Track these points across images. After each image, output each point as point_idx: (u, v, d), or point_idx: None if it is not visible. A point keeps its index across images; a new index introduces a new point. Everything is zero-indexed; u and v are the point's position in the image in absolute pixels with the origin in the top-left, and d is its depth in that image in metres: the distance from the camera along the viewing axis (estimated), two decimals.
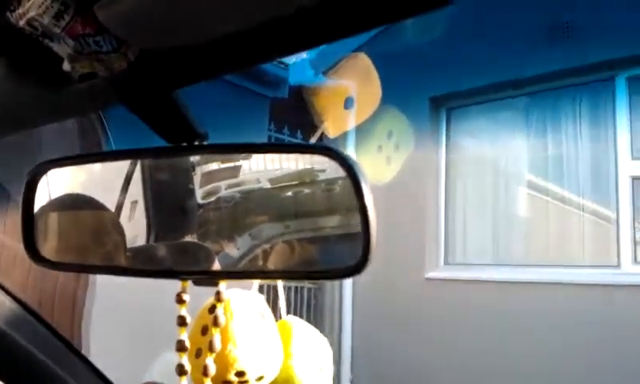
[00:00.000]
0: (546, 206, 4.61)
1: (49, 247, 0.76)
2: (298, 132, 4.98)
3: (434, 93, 4.84)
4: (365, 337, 4.91)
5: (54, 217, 0.78)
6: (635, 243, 4.03)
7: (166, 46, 0.59)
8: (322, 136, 4.79)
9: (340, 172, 0.63)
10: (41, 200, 0.76)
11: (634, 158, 4.08)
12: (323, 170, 0.68)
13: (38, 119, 0.80)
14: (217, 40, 0.59)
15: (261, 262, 0.71)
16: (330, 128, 4.72)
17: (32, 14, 0.59)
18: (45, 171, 0.75)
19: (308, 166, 0.70)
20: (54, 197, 0.79)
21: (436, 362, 4.40)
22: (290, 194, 0.70)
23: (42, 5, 0.57)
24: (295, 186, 0.70)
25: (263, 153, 0.69)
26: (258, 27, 0.55)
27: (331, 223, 0.70)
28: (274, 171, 0.69)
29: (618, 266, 4.02)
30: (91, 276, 3.08)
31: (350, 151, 4.75)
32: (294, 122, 4.95)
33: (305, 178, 0.70)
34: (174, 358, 0.73)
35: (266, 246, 0.69)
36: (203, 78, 0.65)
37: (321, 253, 0.73)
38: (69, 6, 0.57)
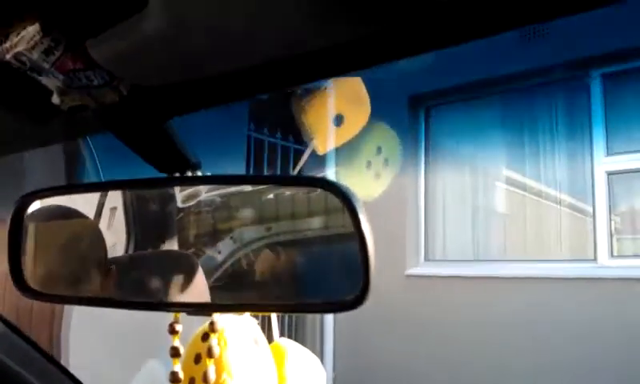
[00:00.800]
0: (524, 202, 4.66)
1: (36, 278, 0.74)
2: (278, 131, 4.94)
3: (412, 91, 4.85)
4: (346, 334, 4.91)
5: (40, 247, 0.76)
6: (611, 237, 4.11)
7: (161, 83, 0.57)
8: (313, 153, 4.77)
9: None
10: (27, 230, 0.74)
11: (608, 154, 4.15)
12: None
13: (23, 146, 0.77)
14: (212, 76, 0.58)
15: (254, 294, 0.70)
16: (320, 145, 4.69)
17: (20, 48, 0.57)
18: (31, 202, 0.73)
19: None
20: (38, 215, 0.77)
21: (417, 358, 4.43)
22: (271, 196, 0.69)
23: (31, 40, 0.55)
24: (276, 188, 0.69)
25: (257, 185, 0.67)
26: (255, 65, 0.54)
27: (314, 226, 0.69)
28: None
29: (595, 259, 4.10)
30: None
31: (339, 168, 4.75)
32: (274, 122, 4.91)
33: None
34: (159, 366, 0.72)
35: (248, 250, 0.67)
36: (195, 109, 0.64)
37: (313, 273, 0.72)
38: (59, 42, 0.55)
